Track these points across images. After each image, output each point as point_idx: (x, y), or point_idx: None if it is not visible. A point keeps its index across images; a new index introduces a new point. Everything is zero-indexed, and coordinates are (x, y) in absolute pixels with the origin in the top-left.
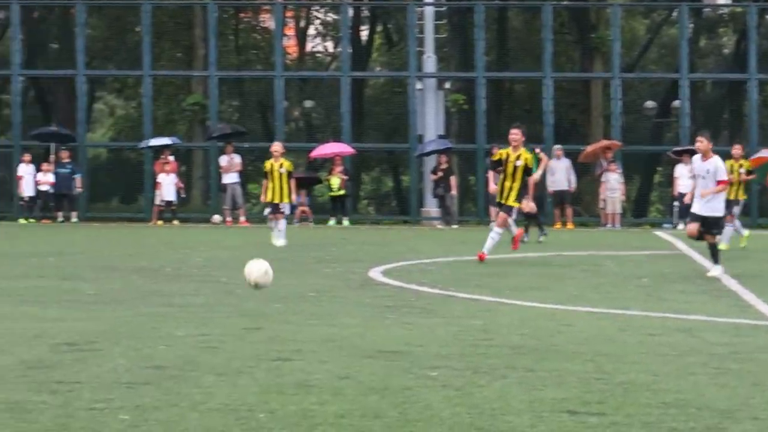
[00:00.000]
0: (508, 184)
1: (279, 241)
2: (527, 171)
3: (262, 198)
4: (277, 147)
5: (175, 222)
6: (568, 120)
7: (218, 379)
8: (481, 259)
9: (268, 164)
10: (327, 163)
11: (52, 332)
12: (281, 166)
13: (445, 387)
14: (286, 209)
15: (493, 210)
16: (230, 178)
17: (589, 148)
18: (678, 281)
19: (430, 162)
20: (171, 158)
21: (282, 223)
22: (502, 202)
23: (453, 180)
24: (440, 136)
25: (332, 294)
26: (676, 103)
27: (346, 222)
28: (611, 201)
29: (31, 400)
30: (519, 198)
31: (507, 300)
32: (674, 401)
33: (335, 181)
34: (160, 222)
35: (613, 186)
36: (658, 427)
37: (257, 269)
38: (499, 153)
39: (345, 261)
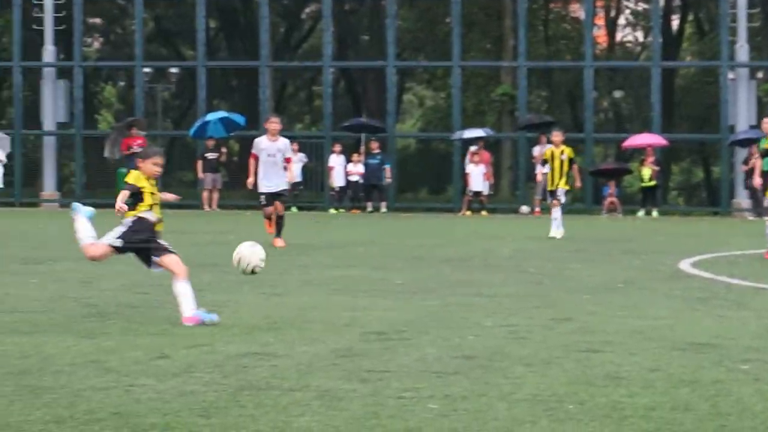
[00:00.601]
0: None
1: (555, 231)
2: None
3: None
4: (557, 135)
5: (484, 212)
6: None
7: (527, 369)
8: None
9: (548, 152)
10: (636, 153)
11: (362, 321)
12: (562, 152)
13: (757, 380)
14: (562, 197)
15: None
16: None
17: None
18: None
19: (742, 153)
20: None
21: (556, 212)
22: None
23: None
24: (752, 127)
25: (641, 285)
26: None
27: (655, 213)
28: None
29: (341, 388)
30: None
31: None
32: None
33: (646, 171)
34: (468, 212)
35: None
36: None
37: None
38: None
39: (654, 252)
